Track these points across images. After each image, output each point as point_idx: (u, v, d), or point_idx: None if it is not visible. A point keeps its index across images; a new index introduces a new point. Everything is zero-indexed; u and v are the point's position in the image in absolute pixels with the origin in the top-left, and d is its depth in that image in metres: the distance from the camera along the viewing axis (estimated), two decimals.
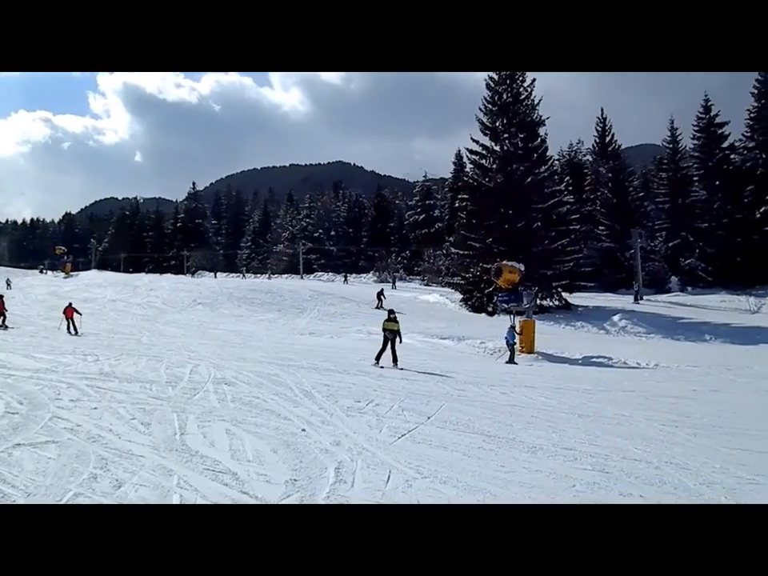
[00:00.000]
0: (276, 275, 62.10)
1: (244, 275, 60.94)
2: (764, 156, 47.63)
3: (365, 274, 59.34)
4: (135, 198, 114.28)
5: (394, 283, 48.48)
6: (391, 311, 15.34)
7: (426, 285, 50.41)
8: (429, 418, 7.97)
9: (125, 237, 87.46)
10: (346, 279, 53.91)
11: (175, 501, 4.49)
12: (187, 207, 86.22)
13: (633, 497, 5.01)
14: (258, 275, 62.65)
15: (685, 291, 42.54)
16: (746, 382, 13.38)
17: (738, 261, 44.45)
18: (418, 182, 72.63)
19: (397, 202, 78.71)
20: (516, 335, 17.62)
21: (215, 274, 63.29)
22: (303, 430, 6.95)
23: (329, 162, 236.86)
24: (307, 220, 75.21)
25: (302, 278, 58.13)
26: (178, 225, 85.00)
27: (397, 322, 14.59)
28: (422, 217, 66.47)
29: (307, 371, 11.76)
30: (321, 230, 73.39)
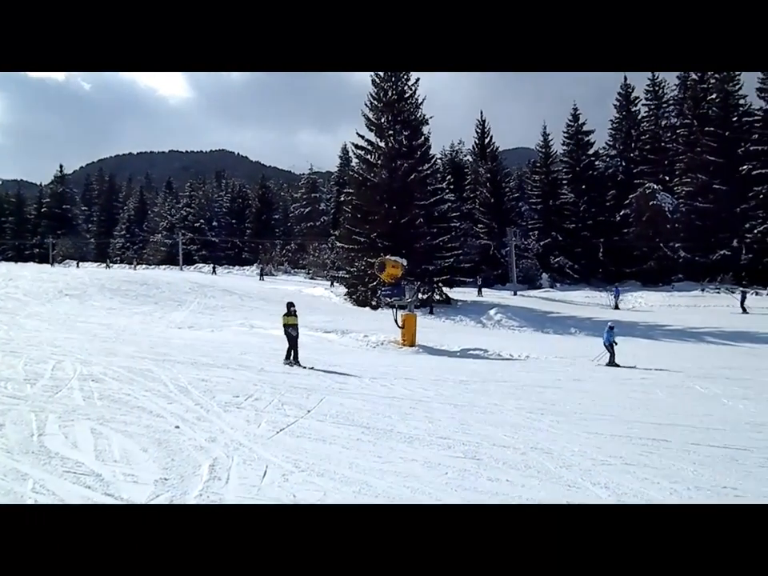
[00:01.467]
0: (153, 266, 59.14)
1: (108, 265, 57.10)
2: (624, 164, 51.95)
3: (249, 267, 57.97)
4: None
5: (261, 275, 47.84)
6: (291, 304, 14.25)
7: (311, 278, 50.18)
8: (309, 411, 7.95)
9: None
10: (214, 271, 52.46)
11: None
12: (53, 191, 79.95)
13: (500, 481, 5.29)
14: (132, 266, 59.25)
15: (554, 287, 45.46)
16: (605, 372, 14.51)
17: (601, 260, 48.35)
18: (303, 174, 72.09)
19: (282, 193, 77.70)
20: (612, 335, 16.29)
21: (77, 264, 58.85)
22: (177, 427, 6.69)
23: (211, 150, 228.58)
24: (187, 209, 72.15)
25: (181, 269, 55.79)
26: (43, 210, 78.70)
27: (297, 316, 13.68)
28: (307, 210, 65.99)
29: (184, 366, 11.31)
30: (202, 220, 70.68)
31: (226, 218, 73.37)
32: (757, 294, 36.56)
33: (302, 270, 55.20)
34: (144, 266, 58.82)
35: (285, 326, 13.42)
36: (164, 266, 59.47)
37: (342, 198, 38.69)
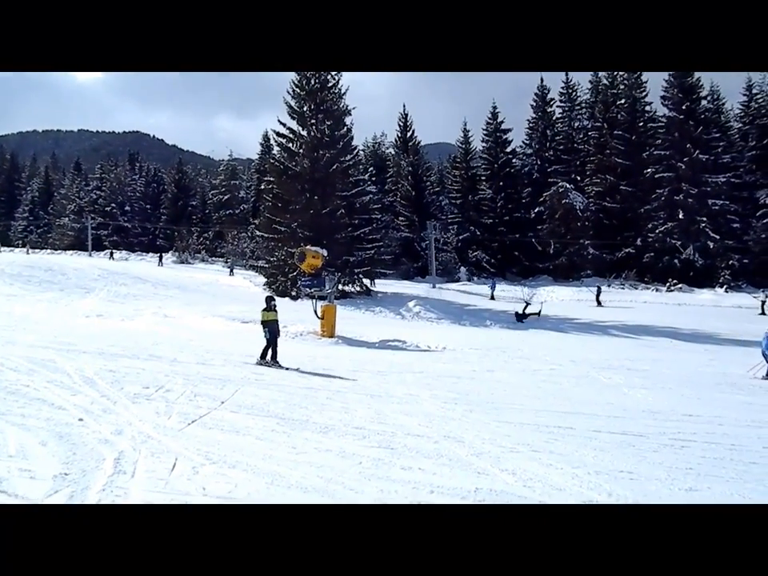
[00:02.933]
0: (59, 251, 55.95)
1: (28, 251, 53.34)
2: (539, 163, 53.88)
3: (164, 254, 55.92)
4: None
5: (160, 260, 46.76)
6: (270, 298, 12.96)
7: (230, 267, 49.02)
8: (223, 402, 7.78)
9: None
10: (111, 255, 50.44)
11: None
12: None
13: (413, 470, 5.38)
14: (36, 250, 55.71)
15: (472, 281, 46.59)
16: (516, 363, 15.01)
17: (516, 254, 50.07)
18: (223, 160, 70.44)
19: (200, 179, 75.34)
20: None
21: None
22: (80, 419, 6.39)
23: (124, 132, 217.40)
24: (98, 192, 68.76)
25: (90, 255, 53.13)
26: None
27: (277, 311, 12.60)
28: (226, 197, 64.38)
29: (90, 356, 10.80)
30: (114, 205, 67.53)
31: (139, 202, 70.37)
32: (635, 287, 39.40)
33: (220, 259, 53.84)
34: (43, 251, 55.30)
35: (263, 322, 12.24)
36: (71, 252, 56.45)
37: (263, 187, 37.88)
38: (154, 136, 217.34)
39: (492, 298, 35.95)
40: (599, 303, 33.09)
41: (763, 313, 30.28)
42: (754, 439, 7.44)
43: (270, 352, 11.92)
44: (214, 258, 55.26)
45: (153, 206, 69.66)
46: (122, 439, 5.74)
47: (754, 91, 50.08)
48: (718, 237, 42.05)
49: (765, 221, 42.46)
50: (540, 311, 27.39)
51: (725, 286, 39.81)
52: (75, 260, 42.21)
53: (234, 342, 15.63)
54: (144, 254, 56.78)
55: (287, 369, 11.50)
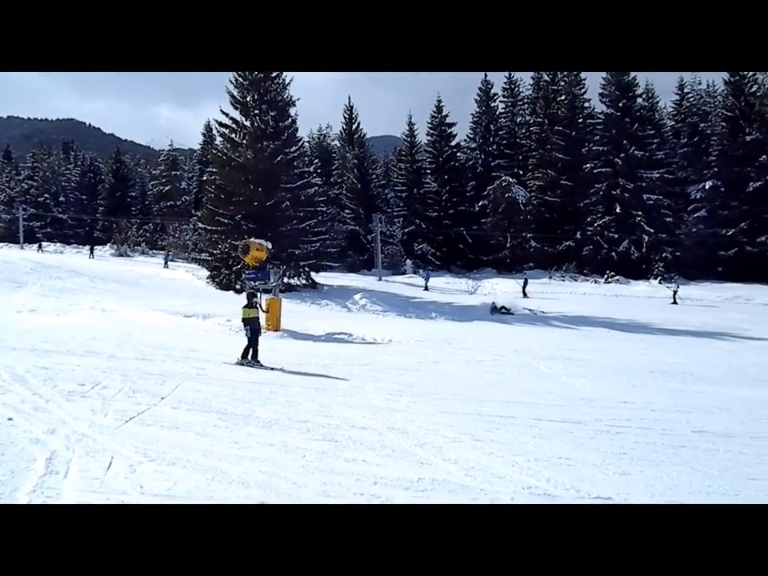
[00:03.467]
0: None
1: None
2: (483, 157, 54.70)
3: (101, 246, 54.00)
4: None
5: (92, 252, 45.49)
6: (252, 294, 12.39)
7: (171, 260, 47.81)
8: (162, 398, 7.58)
9: None
10: (40, 248, 48.36)
11: None
12: None
13: (357, 462, 5.39)
14: None
15: (417, 273, 46.93)
16: (461, 354, 15.22)
17: (461, 248, 50.75)
18: (163, 150, 68.53)
19: (139, 169, 73.20)
20: None
21: None
22: (10, 419, 6.11)
23: (59, 119, 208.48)
24: (30, 182, 65.76)
25: (22, 247, 50.81)
26: None
27: (258, 308, 12.14)
28: (167, 188, 62.68)
29: (21, 353, 10.35)
30: (47, 195, 64.75)
31: (75, 193, 67.73)
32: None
33: (162, 252, 52.44)
34: None
35: (244, 320, 11.77)
36: (1, 244, 53.94)
37: (205, 178, 37.00)
38: (89, 124, 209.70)
39: (426, 288, 36.32)
40: (525, 295, 33.86)
41: (675, 302, 31.71)
42: (684, 424, 7.79)
43: (251, 351, 11.46)
44: (154, 251, 53.77)
45: (89, 197, 67.09)
46: (55, 438, 5.52)
47: (686, 90, 52.26)
48: (652, 230, 43.76)
49: (695, 215, 44.43)
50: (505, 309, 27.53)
51: (659, 278, 41.45)
52: (5, 252, 40.30)
53: (175, 337, 15.25)
54: (80, 246, 54.66)
55: (272, 369, 11.08)
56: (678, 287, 32.95)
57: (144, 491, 4.34)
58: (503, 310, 26.68)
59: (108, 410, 6.81)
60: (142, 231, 57.22)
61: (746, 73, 43.48)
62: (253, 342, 11.51)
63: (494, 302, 27.59)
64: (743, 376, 12.50)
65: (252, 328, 11.59)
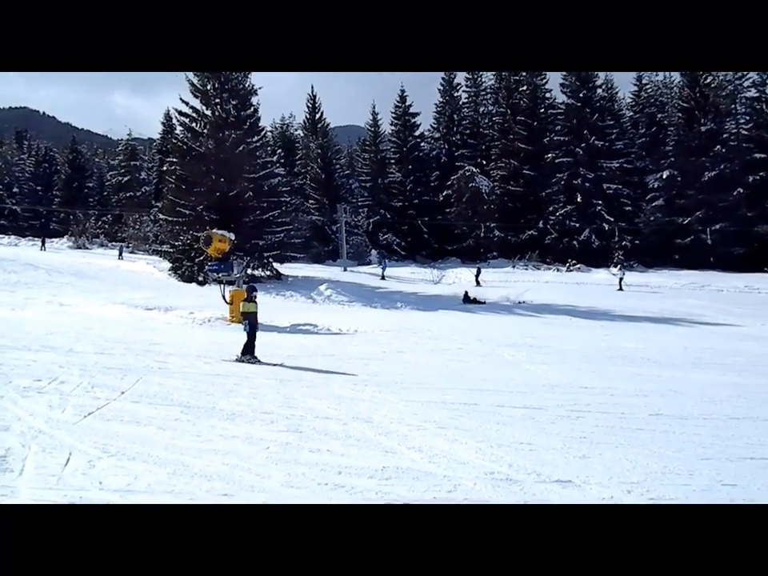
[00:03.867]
0: None
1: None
2: (447, 146, 54.91)
3: (58, 239, 52.52)
4: None
5: (43, 244, 44.30)
6: (252, 287, 12.02)
7: (131, 252, 46.82)
8: (123, 393, 7.44)
9: None
10: None
11: None
12: None
13: (321, 452, 5.38)
14: None
15: (379, 263, 47.00)
16: (425, 344, 15.31)
17: (426, 237, 50.95)
18: (121, 140, 66.89)
19: (97, 159, 71.36)
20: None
21: None
22: None
23: (10, 107, 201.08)
24: None
25: None
26: None
27: (257, 302, 11.59)
28: (126, 178, 61.29)
29: None
30: (0, 186, 62.61)
31: (29, 184, 65.63)
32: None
33: (122, 244, 51.29)
34: None
35: (243, 314, 11.40)
36: None
37: (165, 168, 36.21)
38: (44, 113, 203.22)
39: (382, 278, 36.52)
40: (478, 283, 34.24)
41: (621, 288, 32.54)
42: (641, 407, 8.00)
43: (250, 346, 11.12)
44: (114, 243, 52.51)
45: (44, 188, 65.16)
46: (10, 435, 5.37)
47: (644, 81, 53.25)
48: (612, 219, 44.64)
49: (653, 204, 45.44)
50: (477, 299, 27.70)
51: (618, 266, 42.33)
52: None
53: (136, 330, 14.98)
54: (36, 239, 53.00)
55: (274, 365, 10.76)
56: (624, 274, 33.74)
57: (103, 487, 4.26)
58: (475, 302, 26.90)
59: (66, 405, 6.64)
60: (100, 223, 55.85)
61: None
62: (251, 337, 11.14)
63: (466, 292, 27.83)
64: (698, 360, 12.88)
65: (250, 323, 11.21)
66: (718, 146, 43.04)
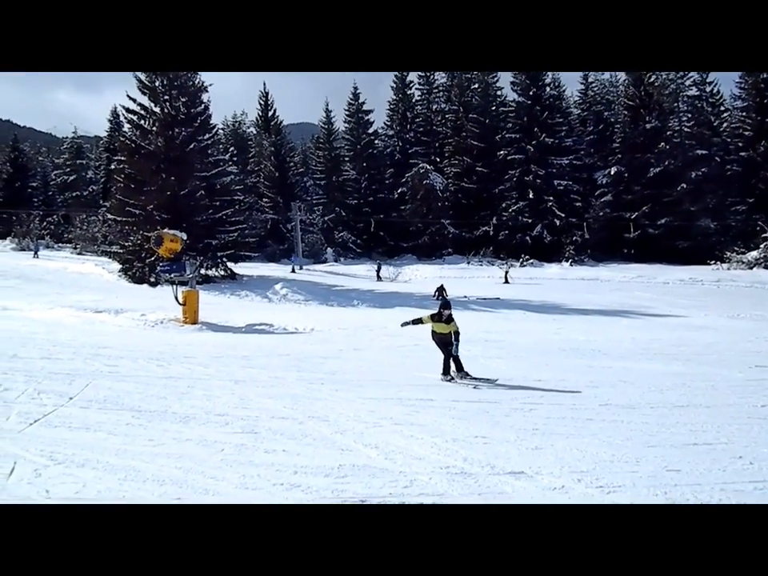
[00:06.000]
0: None
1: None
2: (401, 144, 55.11)
3: (0, 240, 50.56)
4: None
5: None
6: (446, 305, 10.08)
7: (79, 253, 45.37)
8: (71, 398, 7.22)
9: None
10: None
11: None
12: None
13: (276, 452, 5.35)
14: None
15: (339, 261, 46.91)
16: (382, 341, 15.35)
17: (381, 235, 51.05)
18: (66, 137, 64.76)
19: (40, 158, 68.75)
20: None
21: None
22: None
23: None
24: None
25: None
26: None
27: (452, 321, 9.76)
28: (72, 177, 59.47)
29: None
30: None
31: None
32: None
33: (68, 245, 49.65)
34: None
35: (434, 334, 10.05)
36: None
37: (113, 166, 35.33)
38: None
39: (293, 271, 37.46)
40: (379, 278, 35.47)
41: (507, 282, 33.74)
42: (592, 398, 8.22)
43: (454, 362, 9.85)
44: (60, 244, 50.84)
45: None
46: None
47: (590, 80, 54.55)
48: (563, 215, 45.63)
49: (602, 200, 46.67)
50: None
51: (569, 260, 43.33)
52: None
53: (85, 334, 14.55)
54: None
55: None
56: (510, 267, 35.93)
57: (50, 496, 4.13)
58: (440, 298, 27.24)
59: (10, 413, 6.40)
60: (45, 224, 53.93)
61: None
62: (447, 355, 9.84)
63: (440, 287, 28.16)
64: (646, 351, 13.30)
65: (443, 343, 9.94)
66: (662, 143, 44.51)
